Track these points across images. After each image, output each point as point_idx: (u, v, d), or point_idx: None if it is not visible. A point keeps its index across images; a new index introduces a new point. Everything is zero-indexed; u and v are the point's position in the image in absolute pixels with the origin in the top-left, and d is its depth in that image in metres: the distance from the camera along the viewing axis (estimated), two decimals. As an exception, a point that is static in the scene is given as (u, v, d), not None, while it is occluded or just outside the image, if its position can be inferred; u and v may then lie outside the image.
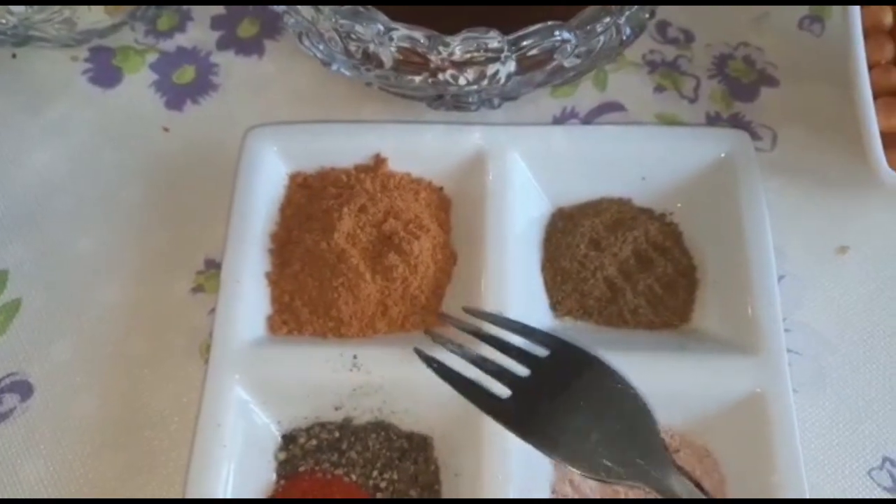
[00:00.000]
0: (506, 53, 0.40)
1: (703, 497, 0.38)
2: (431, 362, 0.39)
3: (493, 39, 0.40)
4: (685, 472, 0.38)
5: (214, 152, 0.49)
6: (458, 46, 0.40)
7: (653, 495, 0.37)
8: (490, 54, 0.40)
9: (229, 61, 0.53)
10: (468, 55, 0.40)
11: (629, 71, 0.52)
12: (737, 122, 0.50)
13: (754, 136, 0.50)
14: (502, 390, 0.38)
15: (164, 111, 0.51)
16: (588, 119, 0.51)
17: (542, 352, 0.40)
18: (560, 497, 0.40)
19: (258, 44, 0.53)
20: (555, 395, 0.38)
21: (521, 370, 0.39)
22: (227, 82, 0.52)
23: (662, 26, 0.54)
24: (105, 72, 0.53)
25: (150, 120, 0.51)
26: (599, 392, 0.39)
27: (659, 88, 0.52)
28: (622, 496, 0.40)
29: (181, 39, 0.54)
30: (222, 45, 0.53)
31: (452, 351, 0.39)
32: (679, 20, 0.54)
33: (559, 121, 0.51)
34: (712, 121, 0.50)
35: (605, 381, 0.39)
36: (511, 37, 0.40)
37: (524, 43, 0.40)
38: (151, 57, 0.53)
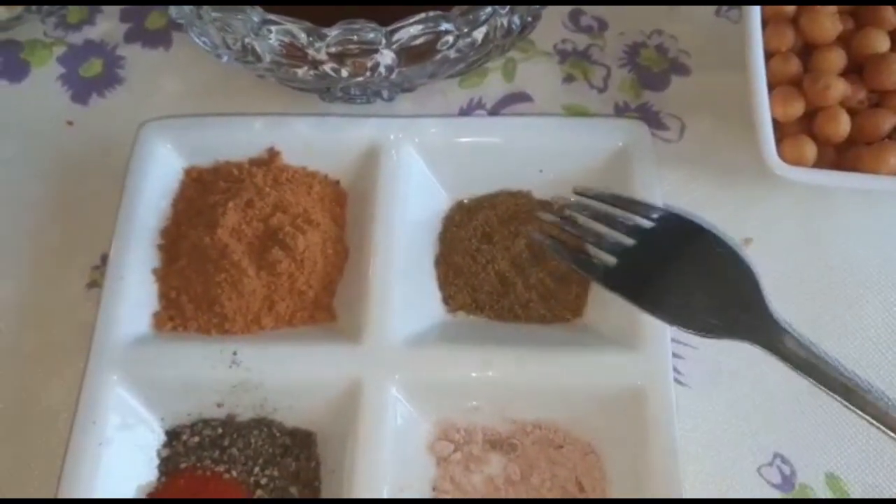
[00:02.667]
0: (383, 45, 0.39)
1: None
2: (534, 235, 0.43)
3: (369, 31, 0.39)
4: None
5: (116, 146, 0.49)
6: (333, 39, 0.39)
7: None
8: (365, 46, 0.39)
9: (136, 54, 0.52)
10: (343, 48, 0.39)
11: (539, 61, 0.51)
12: (645, 112, 0.49)
13: (662, 126, 0.49)
14: (608, 259, 0.41)
15: (69, 105, 0.51)
16: (495, 110, 0.50)
17: (647, 223, 0.42)
18: (440, 492, 0.40)
19: (166, 36, 0.53)
20: (659, 261, 0.41)
21: (627, 240, 0.41)
22: (133, 75, 0.52)
23: (575, 15, 0.53)
24: (13, 65, 0.52)
25: (55, 114, 0.51)
26: (703, 256, 0.41)
27: (568, 78, 0.51)
28: (502, 495, 0.40)
29: (90, 32, 0.53)
30: (130, 37, 0.53)
31: (557, 223, 0.43)
32: (593, 8, 0.53)
33: (466, 112, 0.50)
34: (620, 111, 0.50)
35: (710, 246, 0.41)
36: (388, 28, 0.39)
37: (400, 34, 0.39)
38: (59, 50, 0.53)
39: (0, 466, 0.42)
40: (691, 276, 0.40)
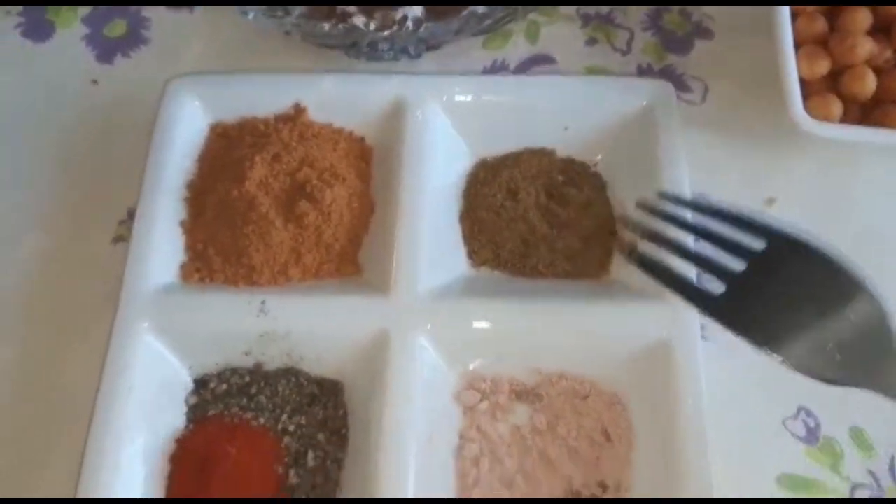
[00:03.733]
0: (411, -5, 0.40)
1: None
2: (632, 253, 0.38)
3: (399, -19, 0.39)
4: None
5: (141, 105, 0.49)
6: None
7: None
8: (395, -3, 0.40)
9: (160, 15, 0.53)
10: (373, -1, 0.39)
11: (562, 24, 0.52)
12: (668, 75, 0.50)
13: (685, 88, 0.49)
14: (716, 286, 0.35)
15: (94, 64, 0.51)
16: (518, 72, 0.50)
17: (758, 244, 0.36)
18: (466, 441, 0.40)
19: (190, -4, 0.53)
20: (775, 291, 0.35)
21: (736, 264, 0.36)
22: (157, 36, 0.52)
23: (599, -22, 0.53)
24: (37, 26, 0.52)
25: (80, 73, 0.51)
26: (825, 287, 0.34)
27: (591, 41, 0.51)
28: (528, 444, 0.40)
29: (114, -7, 0.53)
30: (154, -3, 0.53)
31: (657, 242, 0.37)
32: (617, -27, 0.53)
33: (489, 72, 0.50)
34: (643, 73, 0.50)
35: (832, 274, 0.35)
36: (417, -21, 0.40)
37: (430, -15, 0.39)
38: (83, 11, 0.53)
39: (30, 421, 0.42)
40: (812, 311, 0.34)
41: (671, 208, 0.39)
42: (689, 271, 0.38)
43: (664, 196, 0.39)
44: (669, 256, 0.38)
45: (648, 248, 0.38)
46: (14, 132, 0.49)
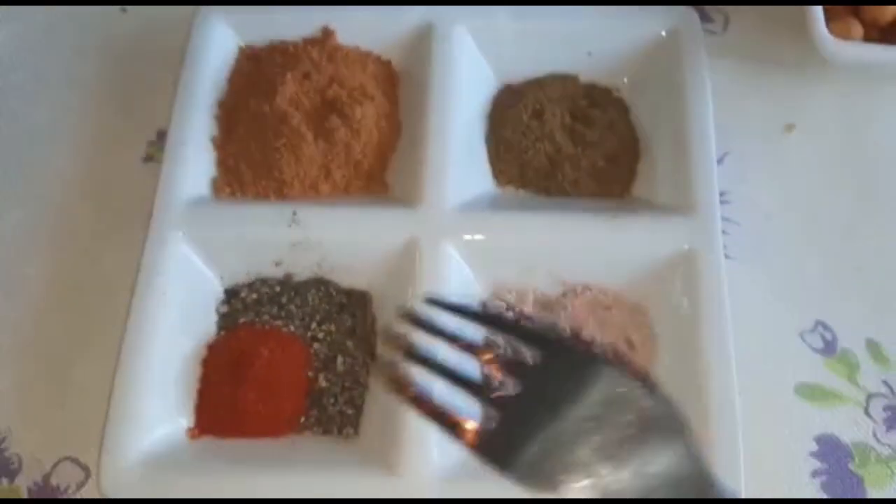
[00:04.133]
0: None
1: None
2: (393, 383, 0.29)
3: None
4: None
5: (169, 32, 0.50)
6: None
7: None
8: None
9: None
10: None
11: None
12: (690, 4, 0.50)
13: (706, 18, 0.50)
14: (488, 414, 0.28)
15: (123, -7, 0.52)
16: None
17: (530, 355, 0.28)
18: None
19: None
20: (558, 418, 0.27)
21: (510, 384, 0.28)
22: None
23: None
24: (67, -44, 0.53)
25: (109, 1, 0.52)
26: (608, 406, 0.27)
27: (614, -26, 0.51)
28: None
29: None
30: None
31: (423, 363, 0.29)
32: None
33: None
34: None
35: (613, 388, 0.27)
36: None
37: None
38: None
39: (62, 331, 0.43)
40: (593, 436, 0.26)
41: (436, 319, 0.30)
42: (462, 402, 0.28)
43: (431, 302, 0.31)
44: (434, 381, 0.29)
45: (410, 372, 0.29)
46: (46, 60, 0.50)
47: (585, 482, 0.26)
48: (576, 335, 0.34)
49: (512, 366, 0.28)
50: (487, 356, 0.29)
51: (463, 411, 0.28)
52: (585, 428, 0.26)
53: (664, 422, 0.27)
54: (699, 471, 0.26)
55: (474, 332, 0.30)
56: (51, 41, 0.51)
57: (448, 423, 0.28)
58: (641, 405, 0.27)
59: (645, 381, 0.27)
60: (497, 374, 0.28)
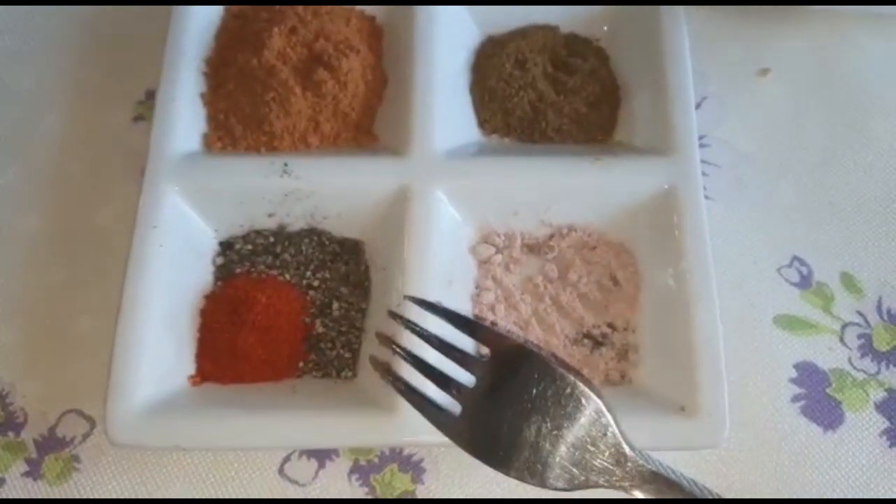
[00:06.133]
0: None
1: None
2: (387, 374, 0.37)
3: None
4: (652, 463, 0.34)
5: (153, -7, 0.50)
6: None
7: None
8: None
9: None
10: None
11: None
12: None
13: (681, -33, 0.51)
14: (454, 405, 0.36)
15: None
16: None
17: (483, 349, 0.37)
18: (483, 289, 0.42)
19: None
20: (504, 405, 0.35)
21: (467, 377, 0.36)
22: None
23: None
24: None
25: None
26: (547, 397, 0.34)
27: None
28: (541, 291, 0.42)
29: None
30: None
31: (403, 358, 0.37)
32: None
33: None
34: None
35: (552, 383, 0.35)
36: None
37: None
38: None
39: (58, 283, 0.44)
40: (539, 422, 0.34)
41: (414, 318, 0.38)
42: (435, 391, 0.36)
43: (410, 300, 0.39)
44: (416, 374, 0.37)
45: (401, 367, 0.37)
46: (30, 20, 0.50)
47: (530, 455, 0.34)
48: (522, 339, 0.40)
49: (470, 362, 0.36)
50: (455, 354, 0.37)
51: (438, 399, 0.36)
52: (529, 412, 0.34)
53: (584, 398, 0.34)
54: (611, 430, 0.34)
55: (444, 329, 0.37)
56: (35, 5, 0.51)
57: (431, 413, 0.36)
58: (570, 391, 0.34)
59: (571, 371, 0.35)
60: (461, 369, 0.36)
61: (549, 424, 0.34)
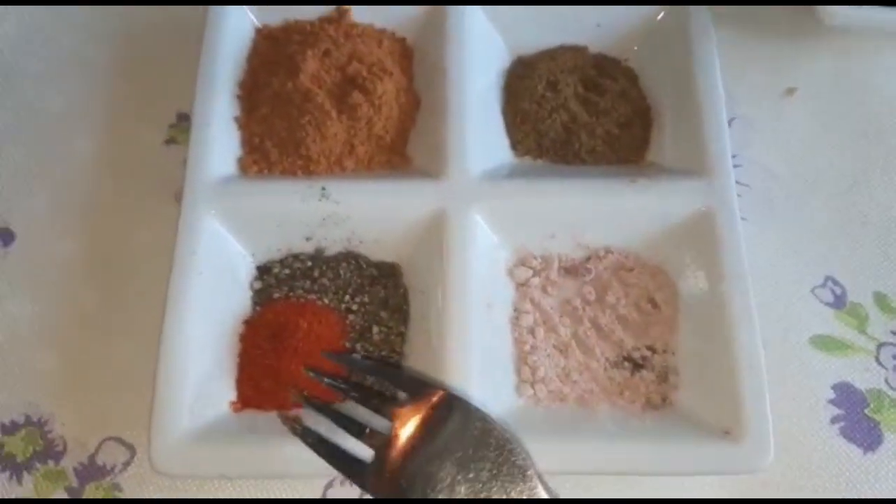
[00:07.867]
0: None
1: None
2: (296, 429, 0.37)
3: None
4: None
5: (187, 13, 0.50)
6: None
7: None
8: None
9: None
10: None
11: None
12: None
13: (707, -12, 0.51)
14: (367, 451, 0.36)
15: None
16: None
17: (401, 395, 0.37)
18: (521, 312, 0.42)
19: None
20: (419, 448, 0.35)
21: (382, 423, 0.36)
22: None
23: None
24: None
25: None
26: (463, 438, 0.35)
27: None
28: (580, 314, 0.42)
29: None
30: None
31: (316, 409, 0.38)
32: None
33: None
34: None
35: (469, 422, 0.35)
36: None
37: None
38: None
39: (93, 308, 0.44)
40: (454, 465, 0.34)
41: (329, 369, 0.39)
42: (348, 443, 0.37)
43: (327, 356, 0.40)
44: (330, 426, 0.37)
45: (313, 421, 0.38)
46: (59, 46, 0.50)
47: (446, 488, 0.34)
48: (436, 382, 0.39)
49: (386, 405, 0.37)
50: (371, 401, 0.37)
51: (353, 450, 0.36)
52: (447, 449, 0.35)
53: (495, 434, 0.35)
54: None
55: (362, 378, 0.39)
56: (63, 27, 0.51)
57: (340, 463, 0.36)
58: (482, 427, 0.35)
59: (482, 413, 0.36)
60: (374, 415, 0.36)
61: (461, 465, 0.34)
